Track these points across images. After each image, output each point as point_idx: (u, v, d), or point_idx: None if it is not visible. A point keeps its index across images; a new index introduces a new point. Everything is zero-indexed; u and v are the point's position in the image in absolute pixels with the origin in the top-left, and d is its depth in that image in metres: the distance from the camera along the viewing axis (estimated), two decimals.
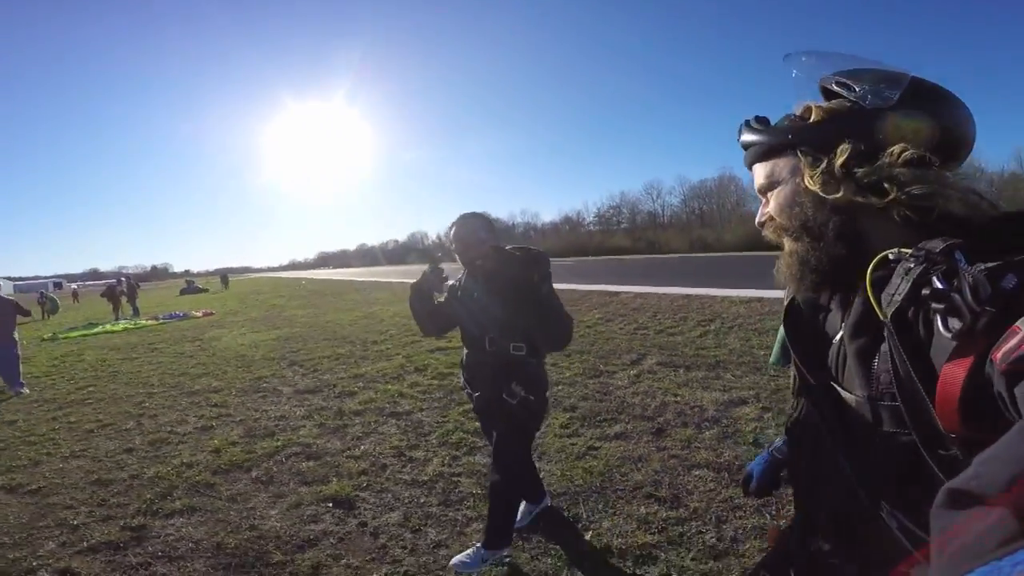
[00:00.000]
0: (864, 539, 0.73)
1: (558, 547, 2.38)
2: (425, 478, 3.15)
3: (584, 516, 2.60)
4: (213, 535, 2.69)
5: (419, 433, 3.89)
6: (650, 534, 2.39)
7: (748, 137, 0.83)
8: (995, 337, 0.52)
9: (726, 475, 2.86)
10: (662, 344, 6.25)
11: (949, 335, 0.56)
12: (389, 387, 5.24)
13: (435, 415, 4.28)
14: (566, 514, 2.64)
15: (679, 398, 4.23)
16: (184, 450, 3.92)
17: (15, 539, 2.80)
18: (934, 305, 0.57)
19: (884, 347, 0.65)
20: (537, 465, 3.18)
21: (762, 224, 0.84)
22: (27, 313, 7.31)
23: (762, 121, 0.82)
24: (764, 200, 0.83)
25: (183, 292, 36.42)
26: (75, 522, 2.92)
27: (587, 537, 2.42)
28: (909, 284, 0.59)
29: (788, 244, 0.79)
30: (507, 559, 2.28)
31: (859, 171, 0.69)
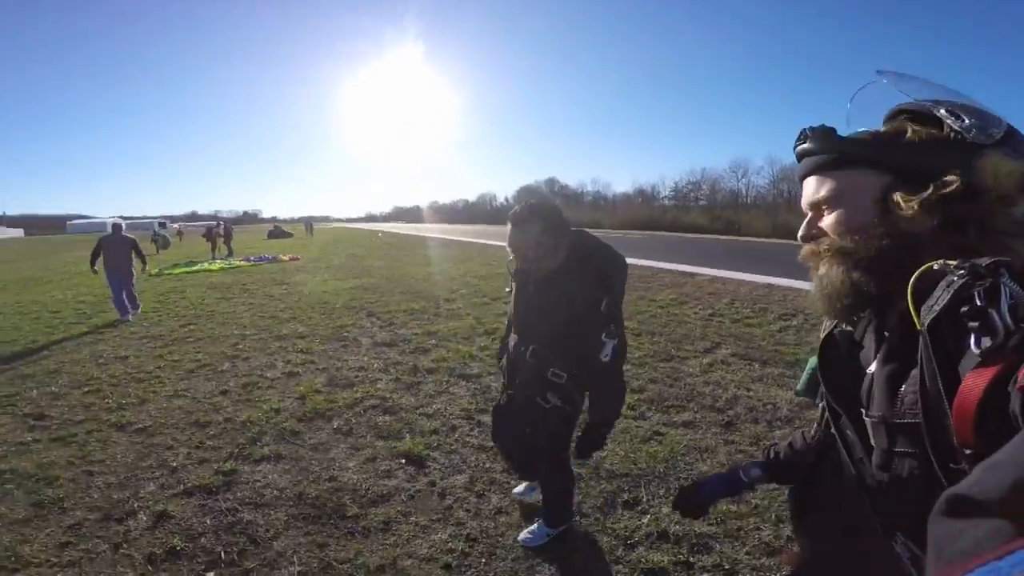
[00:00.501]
0: (877, 568, 0.72)
1: (617, 527, 2.43)
2: (491, 444, 3.24)
3: (644, 499, 2.64)
4: (296, 484, 2.86)
5: (487, 398, 4.01)
6: (708, 525, 2.42)
7: (815, 145, 0.77)
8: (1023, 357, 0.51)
9: None
10: (738, 334, 6.00)
11: (978, 352, 0.55)
12: (460, 347, 5.42)
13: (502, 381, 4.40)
14: (627, 496, 2.68)
15: (752, 393, 4.11)
16: (273, 395, 4.20)
17: (120, 478, 2.96)
18: (970, 323, 0.56)
19: (914, 372, 0.64)
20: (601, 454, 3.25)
21: (808, 238, 0.78)
22: (143, 259, 8.06)
23: (830, 131, 0.76)
24: (811, 215, 0.78)
25: (270, 235, 39.14)
26: (174, 463, 3.11)
27: (644, 520, 2.46)
28: (949, 296, 0.58)
29: (833, 268, 0.73)
30: (567, 530, 2.36)
31: (956, 206, 0.66)
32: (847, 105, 0.79)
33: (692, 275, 10.90)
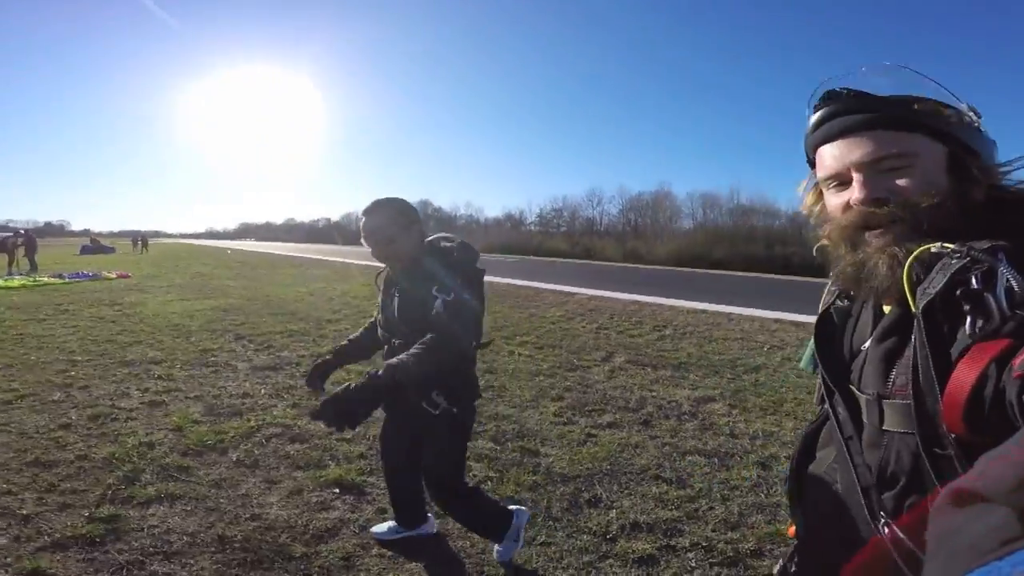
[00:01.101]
0: (858, 548, 0.72)
1: (590, 524, 2.42)
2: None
3: (604, 496, 2.68)
4: (209, 526, 2.34)
5: None
6: (668, 510, 2.54)
7: (870, 104, 0.70)
8: (1019, 343, 0.51)
9: (716, 460, 3.10)
10: (626, 344, 6.39)
11: (971, 336, 0.55)
12: (360, 367, 4.94)
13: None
14: (587, 495, 2.70)
15: (655, 394, 4.43)
16: (137, 427, 3.43)
17: None
18: (965, 305, 0.56)
19: (908, 350, 0.64)
20: (541, 450, 3.25)
21: (879, 200, 0.68)
22: None
23: (900, 92, 0.72)
24: (872, 174, 0.69)
25: (84, 251, 32.95)
26: (23, 511, 2.41)
27: (612, 515, 2.49)
28: (945, 280, 0.58)
29: (883, 239, 0.68)
30: (540, 541, 2.27)
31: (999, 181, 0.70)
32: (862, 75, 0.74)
33: (572, 294, 11.46)
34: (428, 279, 1.77)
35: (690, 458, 3.11)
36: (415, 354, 1.60)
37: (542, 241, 62.82)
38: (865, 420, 0.71)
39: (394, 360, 1.60)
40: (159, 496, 2.56)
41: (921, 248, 0.61)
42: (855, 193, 0.70)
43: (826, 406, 0.80)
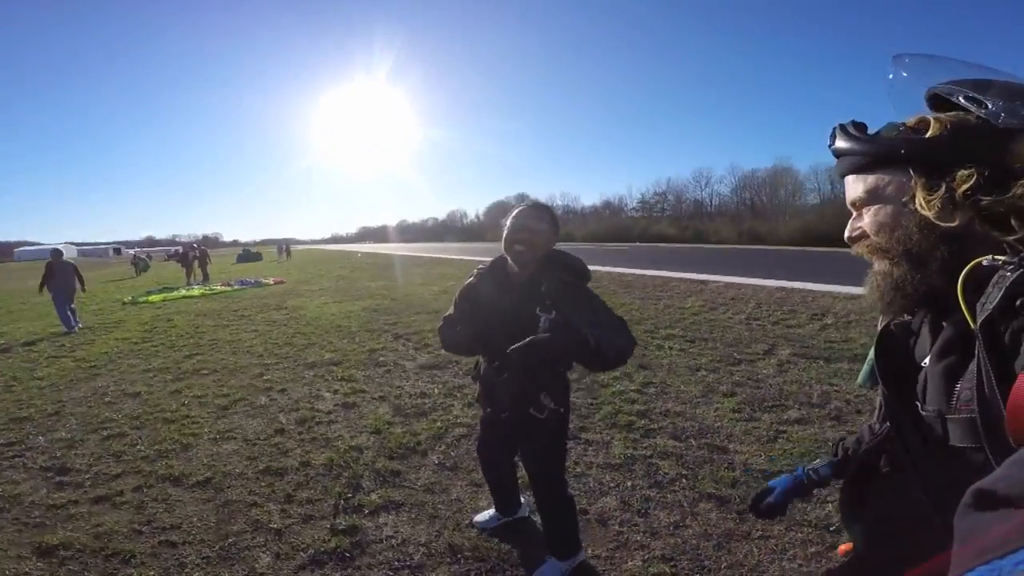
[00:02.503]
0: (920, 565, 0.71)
1: (809, 518, 2.38)
2: (617, 461, 3.03)
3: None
4: (438, 535, 2.43)
5: (580, 415, 3.69)
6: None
7: (845, 144, 0.75)
8: None
9: None
10: (786, 336, 5.89)
11: None
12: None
13: (585, 396, 4.07)
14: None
15: (837, 388, 4.10)
16: (341, 431, 3.69)
17: (215, 550, 2.36)
18: None
19: (971, 368, 0.63)
20: (729, 447, 3.17)
21: (853, 239, 0.77)
22: (82, 282, 9.55)
23: (861, 128, 0.74)
24: (856, 213, 0.77)
25: (239, 259, 37.65)
26: (273, 525, 2.53)
27: (830, 507, 2.44)
28: (1001, 294, 0.57)
29: (880, 265, 0.73)
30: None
31: (984, 199, 0.62)
32: (887, 90, 0.76)
33: (704, 282, 10.85)
34: (573, 302, 1.69)
35: None
36: (603, 334, 1.59)
37: (646, 226, 60.53)
38: (929, 437, 0.70)
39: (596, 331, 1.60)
40: (384, 504, 2.68)
41: (974, 262, 0.61)
42: None
43: (887, 424, 0.82)
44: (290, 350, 6.39)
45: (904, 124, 0.71)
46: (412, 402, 4.21)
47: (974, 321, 0.59)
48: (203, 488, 2.99)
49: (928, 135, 0.67)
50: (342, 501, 2.74)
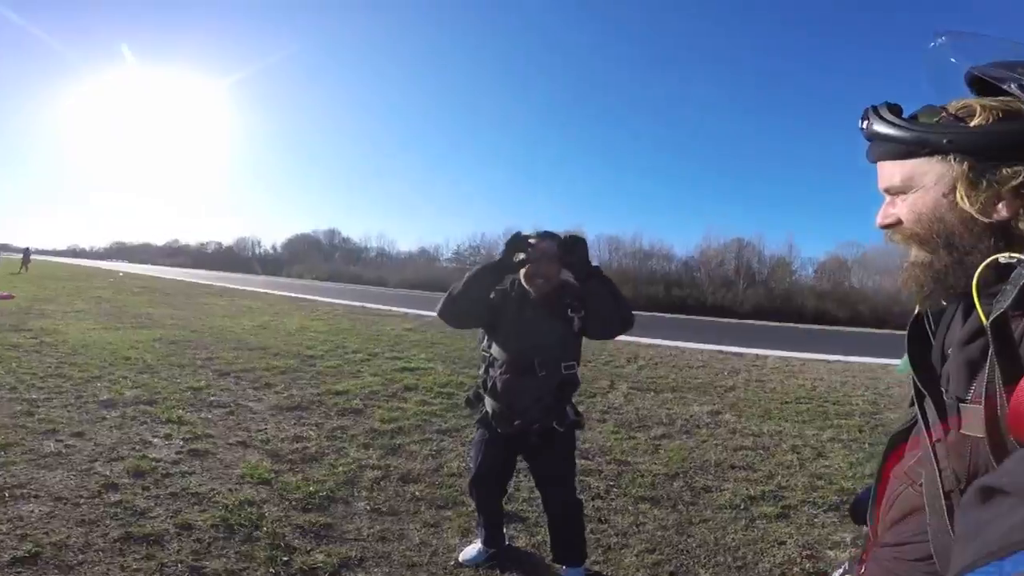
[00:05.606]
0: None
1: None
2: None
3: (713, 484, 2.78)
4: None
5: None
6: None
7: (882, 129, 0.70)
8: None
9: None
10: (618, 374, 6.52)
11: None
12: (404, 405, 4.58)
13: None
14: (700, 482, 3.09)
15: (672, 409, 4.54)
16: (210, 484, 2.81)
17: None
18: None
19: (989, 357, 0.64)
20: (629, 460, 3.50)
21: (887, 226, 0.75)
22: None
23: (897, 111, 0.70)
24: (889, 199, 0.74)
25: None
26: None
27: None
28: (1016, 291, 0.57)
29: (919, 255, 0.72)
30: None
31: None
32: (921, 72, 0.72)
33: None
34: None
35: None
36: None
37: (460, 277, 62.17)
38: (951, 424, 0.69)
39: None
40: (342, 562, 2.21)
41: (991, 258, 0.61)
42: None
43: (915, 408, 0.79)
44: (64, 383, 4.72)
45: (944, 109, 0.66)
46: (289, 447, 3.45)
47: (986, 317, 0.59)
48: (30, 567, 2.00)
49: (974, 124, 0.63)
50: (281, 568, 2.11)
